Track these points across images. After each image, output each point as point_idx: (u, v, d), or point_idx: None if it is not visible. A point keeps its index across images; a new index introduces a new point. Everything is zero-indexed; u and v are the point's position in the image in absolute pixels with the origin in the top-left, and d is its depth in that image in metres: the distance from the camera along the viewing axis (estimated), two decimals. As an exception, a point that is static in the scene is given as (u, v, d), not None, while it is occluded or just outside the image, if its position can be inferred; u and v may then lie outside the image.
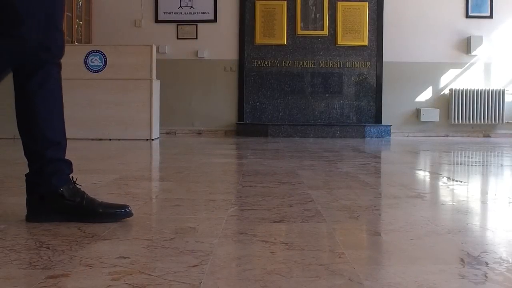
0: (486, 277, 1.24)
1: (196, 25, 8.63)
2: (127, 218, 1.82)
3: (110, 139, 6.70)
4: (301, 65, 8.63)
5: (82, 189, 1.85)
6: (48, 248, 1.45)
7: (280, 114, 8.58)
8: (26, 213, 1.82)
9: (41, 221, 1.77)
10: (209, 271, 1.24)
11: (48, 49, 1.78)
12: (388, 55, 8.61)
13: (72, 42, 7.77)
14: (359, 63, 8.64)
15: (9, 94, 1.91)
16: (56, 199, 1.80)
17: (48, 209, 1.80)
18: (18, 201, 2.35)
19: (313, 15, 8.58)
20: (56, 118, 1.86)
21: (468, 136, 8.66)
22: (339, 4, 8.55)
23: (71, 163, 1.87)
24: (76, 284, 1.15)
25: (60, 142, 1.85)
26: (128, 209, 1.83)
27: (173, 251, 1.42)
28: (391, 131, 8.33)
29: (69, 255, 1.37)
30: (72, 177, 1.87)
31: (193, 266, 1.28)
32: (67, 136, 1.90)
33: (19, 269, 1.25)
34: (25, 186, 1.83)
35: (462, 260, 1.38)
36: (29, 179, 1.84)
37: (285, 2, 8.57)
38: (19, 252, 1.40)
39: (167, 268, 1.26)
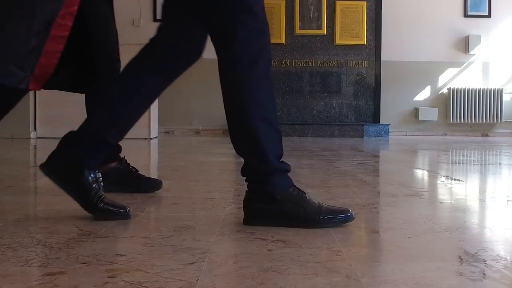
0: (484, 274, 1.24)
1: (195, 24, 8.62)
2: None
3: (108, 138, 6.68)
4: (299, 64, 8.63)
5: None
6: (45, 245, 1.44)
7: (279, 113, 8.58)
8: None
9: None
10: (206, 268, 1.24)
11: None
12: (386, 54, 8.61)
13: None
14: (358, 62, 8.64)
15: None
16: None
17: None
18: (15, 199, 2.35)
19: (311, 14, 8.58)
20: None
21: (466, 135, 8.66)
22: (338, 3, 8.55)
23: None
24: (72, 282, 1.14)
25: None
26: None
27: (170, 249, 1.42)
28: (390, 130, 8.33)
29: (66, 253, 1.36)
30: None
31: (190, 264, 1.28)
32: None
33: (16, 266, 1.25)
34: None
35: (459, 257, 1.38)
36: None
37: (283, 1, 8.57)
38: (16, 250, 1.39)
39: (164, 265, 1.26)
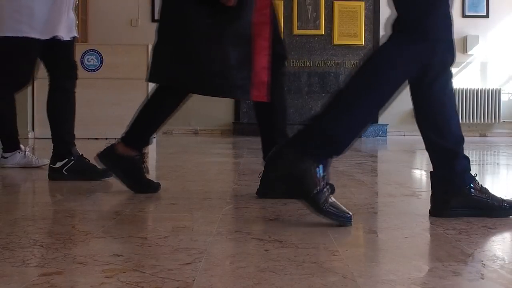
0: (481, 274, 1.24)
1: (193, 24, 8.61)
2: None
3: (106, 139, 6.68)
4: (297, 65, 8.63)
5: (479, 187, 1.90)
6: (42, 246, 1.44)
7: (277, 113, 8.56)
8: (430, 209, 1.91)
9: (445, 216, 1.86)
10: (202, 268, 1.24)
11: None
12: (384, 55, 8.59)
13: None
14: (356, 62, 8.63)
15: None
16: (463, 196, 1.86)
17: (453, 204, 1.86)
18: (12, 199, 2.35)
19: (309, 15, 8.58)
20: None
21: (464, 136, 8.63)
22: (336, 3, 8.55)
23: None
24: (69, 282, 1.14)
25: (463, 138, 1.94)
26: None
27: (167, 249, 1.42)
28: (388, 130, 8.33)
29: (62, 253, 1.36)
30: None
31: (187, 264, 1.28)
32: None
33: (13, 267, 1.25)
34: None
35: (456, 257, 1.38)
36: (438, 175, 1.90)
37: (282, 1, 8.56)
38: (12, 250, 1.39)
39: (160, 265, 1.26)
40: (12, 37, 2.84)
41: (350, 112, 1.79)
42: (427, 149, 1.92)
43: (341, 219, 1.74)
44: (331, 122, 1.79)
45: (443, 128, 1.88)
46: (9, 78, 3.01)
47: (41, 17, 2.80)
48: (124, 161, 2.34)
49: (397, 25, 1.81)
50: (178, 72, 2.20)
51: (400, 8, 1.82)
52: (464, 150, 1.91)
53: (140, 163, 2.38)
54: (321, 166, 1.73)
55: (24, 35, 2.82)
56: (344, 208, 1.77)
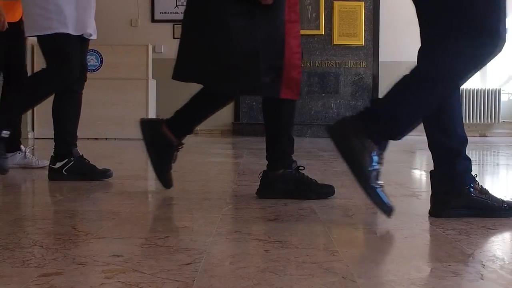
0: (480, 274, 1.24)
1: (193, 24, 8.61)
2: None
3: (106, 139, 6.69)
4: (297, 65, 8.62)
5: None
6: (42, 246, 1.44)
7: (277, 113, 8.56)
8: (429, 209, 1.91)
9: (445, 216, 1.86)
10: (202, 269, 1.24)
11: None
12: (384, 55, 8.61)
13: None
14: (356, 62, 8.64)
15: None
16: (463, 196, 1.87)
17: (453, 205, 1.87)
18: (12, 199, 2.35)
19: (309, 15, 8.58)
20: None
21: (464, 136, 8.65)
22: (335, 3, 8.55)
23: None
24: (69, 283, 1.14)
25: (467, 139, 1.97)
26: None
27: (167, 250, 1.42)
28: (388, 130, 8.32)
29: (62, 254, 1.36)
30: None
31: (187, 264, 1.28)
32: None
33: (12, 267, 1.25)
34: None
35: (456, 258, 1.38)
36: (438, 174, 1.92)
37: (282, 1, 8.56)
38: (12, 251, 1.39)
39: (160, 266, 1.26)
40: (48, 35, 2.76)
41: (416, 97, 1.82)
42: (430, 146, 1.93)
43: (384, 206, 1.77)
44: (395, 105, 1.81)
45: (449, 127, 1.89)
46: (61, 73, 2.87)
47: (70, 14, 2.76)
48: (161, 140, 2.34)
49: (460, 23, 1.80)
50: (206, 70, 2.19)
51: (463, 8, 1.80)
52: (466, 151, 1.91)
53: (173, 150, 2.38)
54: (378, 149, 1.77)
55: (56, 31, 2.75)
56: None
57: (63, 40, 2.78)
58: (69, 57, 2.81)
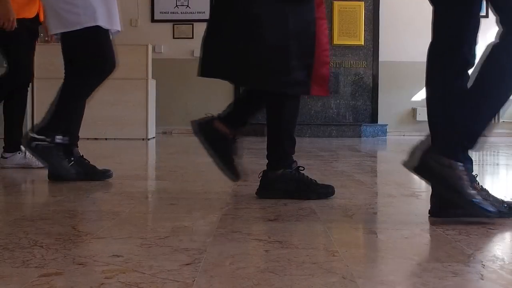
0: (480, 275, 1.24)
1: (192, 24, 8.62)
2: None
3: (106, 139, 6.69)
4: (297, 65, 8.62)
5: None
6: (42, 246, 1.44)
7: (277, 113, 8.56)
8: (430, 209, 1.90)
9: (445, 216, 1.85)
10: (202, 269, 1.24)
11: None
12: (384, 55, 8.61)
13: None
14: (355, 62, 8.64)
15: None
16: None
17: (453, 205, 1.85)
18: (12, 199, 2.35)
19: (309, 15, 8.57)
20: None
21: (464, 136, 8.65)
22: (335, 3, 8.55)
23: None
24: (69, 283, 1.14)
25: None
26: None
27: (167, 250, 1.42)
28: (387, 130, 8.33)
29: (62, 254, 1.36)
30: None
31: (187, 265, 1.27)
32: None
33: (12, 267, 1.25)
34: None
35: (456, 258, 1.38)
36: None
37: (282, 1, 8.57)
38: (12, 251, 1.39)
39: (160, 266, 1.26)
40: (79, 30, 2.70)
41: (486, 106, 1.93)
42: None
43: (500, 213, 1.80)
44: (468, 118, 1.89)
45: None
46: (99, 65, 2.83)
47: (99, 5, 2.70)
48: (215, 135, 2.34)
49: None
50: (235, 66, 2.18)
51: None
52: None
53: (230, 143, 2.38)
54: (462, 163, 1.84)
55: (86, 26, 2.70)
56: (498, 198, 1.85)
57: (94, 34, 2.72)
58: (104, 50, 2.77)
